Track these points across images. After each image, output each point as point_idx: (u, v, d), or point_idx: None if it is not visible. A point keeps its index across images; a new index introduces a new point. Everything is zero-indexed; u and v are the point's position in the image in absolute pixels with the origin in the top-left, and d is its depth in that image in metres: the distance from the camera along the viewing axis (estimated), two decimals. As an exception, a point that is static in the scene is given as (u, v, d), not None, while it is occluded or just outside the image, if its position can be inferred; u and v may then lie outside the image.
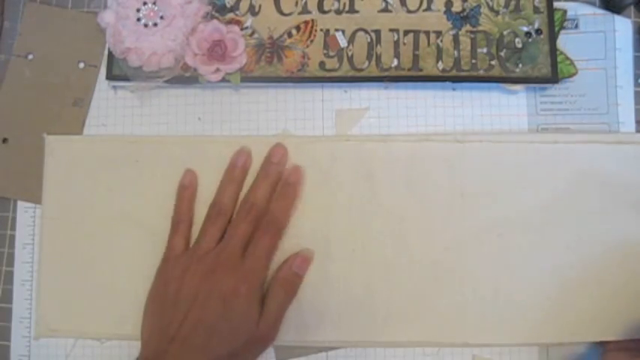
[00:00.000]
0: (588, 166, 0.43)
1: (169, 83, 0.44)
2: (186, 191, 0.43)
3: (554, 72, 0.43)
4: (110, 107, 0.46)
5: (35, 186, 0.45)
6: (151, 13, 0.44)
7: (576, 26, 0.45)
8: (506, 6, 0.44)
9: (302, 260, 0.42)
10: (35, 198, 0.45)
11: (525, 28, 0.44)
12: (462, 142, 0.43)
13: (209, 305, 0.38)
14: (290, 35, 0.44)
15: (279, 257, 0.43)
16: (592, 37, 0.45)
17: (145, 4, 0.44)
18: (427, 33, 0.44)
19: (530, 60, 0.44)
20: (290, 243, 0.43)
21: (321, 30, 0.44)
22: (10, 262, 0.46)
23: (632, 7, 0.46)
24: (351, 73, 0.44)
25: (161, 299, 0.40)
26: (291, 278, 0.41)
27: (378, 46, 0.44)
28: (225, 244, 0.40)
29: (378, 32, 0.44)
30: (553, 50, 0.44)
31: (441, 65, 0.44)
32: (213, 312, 0.38)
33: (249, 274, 0.39)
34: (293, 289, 0.41)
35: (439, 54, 0.44)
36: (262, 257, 0.40)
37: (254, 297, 0.39)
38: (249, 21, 0.45)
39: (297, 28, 0.44)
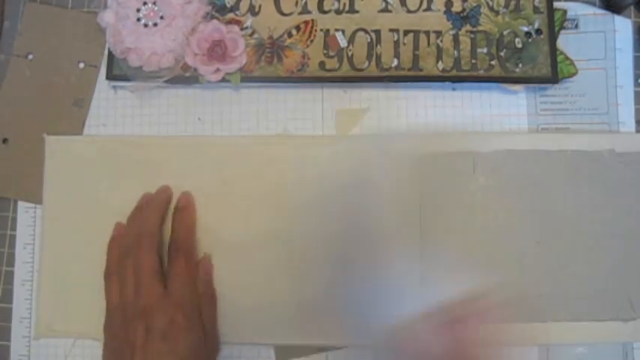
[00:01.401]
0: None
1: (169, 83, 0.44)
2: (114, 242, 0.43)
3: (554, 72, 0.43)
4: (110, 107, 0.46)
5: (35, 186, 0.45)
6: (151, 13, 0.44)
7: (576, 26, 0.45)
8: (506, 6, 0.44)
9: (208, 266, 0.42)
10: (35, 198, 0.45)
11: (525, 28, 0.44)
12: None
13: (151, 348, 0.37)
14: (290, 35, 0.44)
15: (289, 261, 0.43)
16: (592, 37, 0.45)
17: (145, 4, 0.44)
18: (427, 33, 0.44)
19: (530, 60, 0.44)
20: (294, 245, 0.43)
21: (321, 30, 0.44)
22: (10, 262, 0.46)
23: (632, 7, 0.46)
24: (351, 73, 0.44)
25: (112, 355, 0.39)
26: (208, 286, 0.42)
27: (378, 46, 0.44)
28: (142, 283, 0.39)
29: (378, 32, 0.44)
30: (553, 50, 0.44)
31: (441, 65, 0.44)
32: (157, 354, 0.37)
33: (178, 302, 0.39)
34: (214, 294, 0.42)
35: (439, 54, 0.44)
36: (184, 283, 0.40)
37: (193, 320, 0.39)
38: (249, 21, 0.45)
39: (297, 28, 0.44)
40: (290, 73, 0.44)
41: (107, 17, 0.44)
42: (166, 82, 0.44)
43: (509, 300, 0.41)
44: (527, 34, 0.44)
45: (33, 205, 0.46)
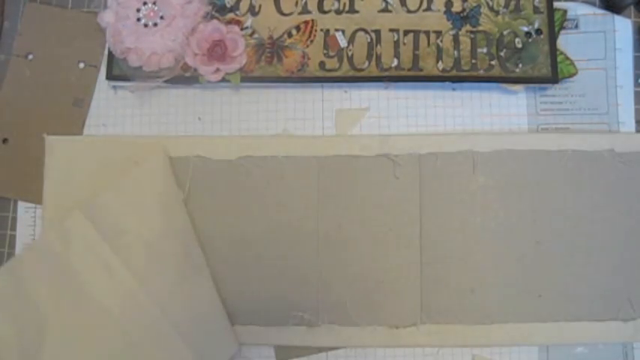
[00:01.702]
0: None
1: (169, 83, 0.44)
2: None
3: (554, 72, 0.43)
4: (110, 107, 0.46)
5: (35, 186, 0.45)
6: (151, 13, 0.44)
7: (576, 26, 0.45)
8: (506, 6, 0.44)
9: None
10: (35, 198, 0.45)
11: (525, 28, 0.44)
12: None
13: None
14: (290, 35, 0.44)
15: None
16: (592, 37, 0.45)
17: (145, 4, 0.44)
18: (427, 33, 0.44)
19: (530, 60, 0.44)
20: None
21: (321, 30, 0.44)
22: (10, 262, 0.46)
23: (632, 7, 0.46)
24: (351, 73, 0.44)
25: None
26: None
27: (378, 46, 0.44)
28: None
29: (378, 32, 0.44)
30: (553, 50, 0.44)
31: (441, 65, 0.44)
32: None
33: None
34: None
35: (439, 54, 0.44)
36: None
37: None
38: (249, 21, 0.45)
39: (297, 28, 0.44)
40: (290, 73, 0.44)
41: (107, 17, 0.44)
42: (166, 82, 0.44)
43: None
44: (527, 34, 0.44)
45: (33, 205, 0.46)
